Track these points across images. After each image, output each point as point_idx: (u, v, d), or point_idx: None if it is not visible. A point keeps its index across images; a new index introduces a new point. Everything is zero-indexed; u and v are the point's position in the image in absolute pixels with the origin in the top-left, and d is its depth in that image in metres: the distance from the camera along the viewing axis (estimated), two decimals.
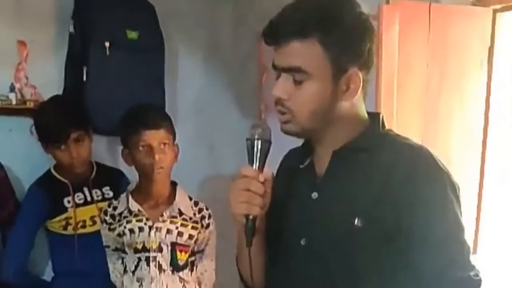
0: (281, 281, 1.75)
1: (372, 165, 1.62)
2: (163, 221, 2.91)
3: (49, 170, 3.22)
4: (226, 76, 4.13)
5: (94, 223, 3.17)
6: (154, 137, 2.86)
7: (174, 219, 2.94)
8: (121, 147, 3.04)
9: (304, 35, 1.58)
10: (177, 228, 2.93)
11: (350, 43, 1.60)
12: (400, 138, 1.72)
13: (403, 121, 2.70)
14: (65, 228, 3.15)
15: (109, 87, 3.45)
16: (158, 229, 2.90)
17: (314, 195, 1.69)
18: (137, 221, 2.92)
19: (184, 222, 2.96)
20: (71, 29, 3.55)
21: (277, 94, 1.63)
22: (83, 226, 3.16)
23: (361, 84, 1.63)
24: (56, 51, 3.60)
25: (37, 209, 3.13)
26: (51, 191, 3.15)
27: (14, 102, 3.33)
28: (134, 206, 2.93)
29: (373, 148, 1.64)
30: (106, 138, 3.61)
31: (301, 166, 1.77)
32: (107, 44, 3.45)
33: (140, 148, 2.87)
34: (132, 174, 3.14)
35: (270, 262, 1.79)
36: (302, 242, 1.68)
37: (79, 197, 3.18)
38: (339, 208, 1.63)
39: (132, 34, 3.55)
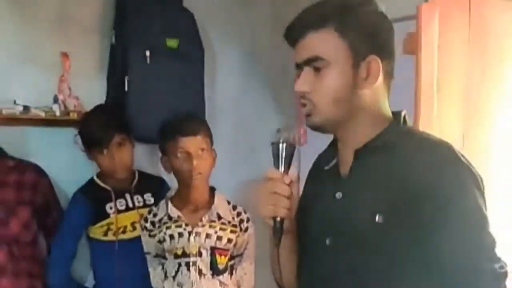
0: (309, 281, 1.77)
1: (394, 161, 1.63)
2: (202, 226, 2.93)
3: (92, 178, 3.27)
4: (265, 81, 4.13)
5: (135, 229, 3.20)
6: (192, 143, 2.90)
7: (213, 224, 2.96)
8: (159, 155, 3.08)
9: (320, 25, 1.63)
10: (216, 232, 2.95)
11: (366, 30, 1.64)
12: (422, 134, 1.74)
13: (443, 120, 2.68)
14: (105, 234, 3.19)
15: (150, 95, 3.49)
16: (197, 234, 2.92)
17: (338, 195, 1.70)
18: (177, 226, 2.94)
19: (223, 226, 2.98)
20: (113, 40, 3.60)
21: (299, 88, 1.66)
22: (124, 232, 3.20)
23: (381, 71, 1.65)
24: (99, 62, 3.65)
25: (80, 215, 3.18)
26: (94, 197, 3.20)
27: (57, 113, 3.38)
28: (174, 212, 2.96)
29: (394, 145, 1.66)
30: (148, 147, 3.63)
31: (326, 168, 1.80)
32: (147, 53, 3.49)
33: (179, 154, 2.92)
34: (172, 182, 3.16)
35: (299, 261, 1.82)
36: (328, 241, 1.70)
37: (121, 203, 3.22)
38: (361, 207, 1.65)
39: (172, 42, 3.59)
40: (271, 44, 4.08)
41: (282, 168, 1.66)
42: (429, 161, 1.58)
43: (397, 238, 1.58)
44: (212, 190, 3.05)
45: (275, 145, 1.67)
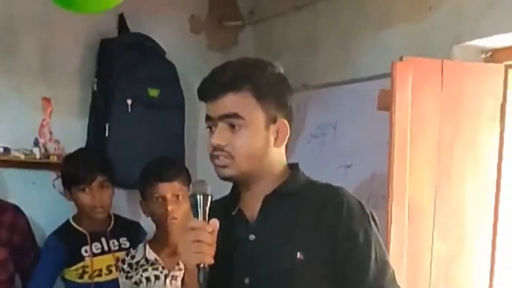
0: None
1: (301, 206, 1.79)
2: (179, 270, 2.94)
3: (68, 221, 3.28)
4: None
5: (110, 272, 3.22)
6: (167, 189, 2.96)
7: None
8: (138, 200, 3.12)
9: (238, 88, 1.76)
10: None
11: (277, 95, 1.81)
12: (319, 182, 1.89)
13: (416, 174, 2.73)
14: (81, 276, 3.20)
15: (131, 143, 3.55)
16: (173, 278, 2.94)
17: (251, 237, 1.80)
18: (153, 269, 2.97)
19: None
20: (95, 88, 3.67)
21: (216, 141, 1.76)
22: (99, 275, 3.21)
23: (288, 133, 1.82)
24: (80, 108, 3.72)
25: (55, 258, 3.19)
26: (69, 240, 3.21)
27: (38, 156, 3.44)
28: (151, 255, 2.98)
29: (300, 191, 1.82)
30: (126, 192, 3.67)
31: (233, 213, 1.87)
32: (129, 101, 3.56)
33: (154, 199, 2.97)
34: (151, 225, 3.18)
35: None
36: (246, 281, 1.79)
37: (96, 247, 3.24)
38: (278, 245, 1.77)
39: (154, 92, 3.66)
40: None
41: (201, 218, 1.72)
42: (336, 202, 1.76)
43: (318, 273, 1.74)
44: None
45: (192, 197, 1.74)
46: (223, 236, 1.80)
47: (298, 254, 1.72)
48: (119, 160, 3.44)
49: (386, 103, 2.77)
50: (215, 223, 1.72)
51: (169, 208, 2.93)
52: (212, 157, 1.79)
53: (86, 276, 3.20)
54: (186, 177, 3.05)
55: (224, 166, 1.77)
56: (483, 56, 3.03)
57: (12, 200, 3.28)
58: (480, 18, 2.85)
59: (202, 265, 1.70)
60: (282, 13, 3.97)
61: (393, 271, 1.78)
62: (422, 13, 3.10)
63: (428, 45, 3.04)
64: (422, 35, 3.10)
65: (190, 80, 3.85)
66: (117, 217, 3.40)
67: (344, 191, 1.82)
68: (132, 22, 3.82)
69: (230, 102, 1.76)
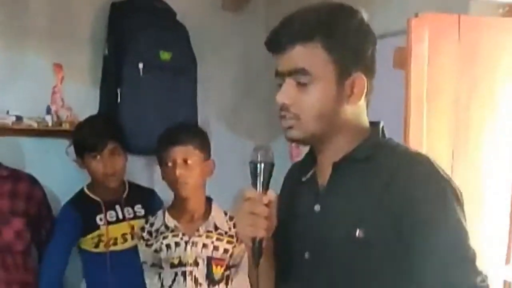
0: None
1: (372, 174, 1.62)
2: (199, 236, 2.96)
3: (82, 189, 3.28)
4: (258, 94, 4.16)
5: (126, 240, 3.22)
6: (177, 153, 2.94)
7: (209, 234, 2.98)
8: (155, 167, 3.11)
9: (307, 38, 1.59)
10: (212, 242, 2.97)
11: (352, 47, 1.62)
12: (400, 147, 1.72)
13: (433, 134, 2.69)
14: (97, 245, 3.20)
15: (143, 107, 3.52)
16: (194, 244, 2.94)
17: (317, 207, 1.68)
18: (173, 236, 2.97)
19: (220, 237, 3.00)
20: (106, 52, 3.63)
21: (281, 100, 1.63)
22: (115, 244, 3.21)
23: (365, 89, 1.64)
24: (91, 73, 3.70)
25: (70, 227, 3.19)
26: (83, 209, 3.21)
27: (50, 124, 3.41)
28: (171, 221, 2.98)
29: (373, 157, 1.64)
30: (140, 158, 3.66)
31: (303, 179, 1.76)
32: (140, 65, 3.52)
33: (165, 164, 2.96)
34: (168, 193, 3.17)
35: (279, 278, 1.78)
36: (306, 255, 1.68)
37: (111, 215, 3.23)
38: (340, 220, 1.63)
39: (165, 55, 3.62)
40: (264, 57, 4.08)
41: (260, 188, 1.61)
42: (408, 175, 1.57)
43: (377, 252, 1.57)
44: (209, 200, 3.07)
45: (252, 164, 1.62)
46: (290, 205, 1.75)
47: (358, 231, 1.56)
48: (132, 125, 3.43)
49: (402, 60, 2.73)
50: (271, 195, 1.61)
51: (177, 172, 2.91)
52: (280, 118, 1.66)
53: (101, 245, 3.20)
54: (200, 140, 3.02)
55: (290, 127, 1.64)
56: (500, 11, 2.97)
57: (25, 169, 3.28)
58: None
59: (257, 239, 1.61)
60: None
61: (473, 255, 1.52)
62: None
63: (444, 1, 2.97)
64: None
65: (201, 42, 3.82)
66: (131, 184, 3.39)
67: (421, 161, 1.62)
68: None
69: (298, 55, 1.60)
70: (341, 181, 1.66)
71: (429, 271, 1.51)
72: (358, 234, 1.57)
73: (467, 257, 1.52)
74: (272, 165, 1.62)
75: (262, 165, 1.61)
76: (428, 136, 2.68)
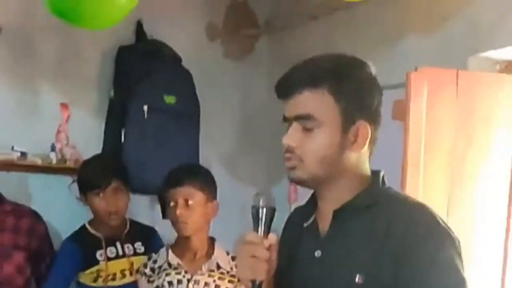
0: None
1: (372, 222, 1.64)
2: (202, 274, 2.96)
3: (83, 225, 3.30)
4: (259, 139, 4.23)
5: (124, 276, 3.24)
6: (178, 194, 2.96)
7: (212, 273, 2.99)
8: (156, 206, 3.14)
9: (315, 85, 1.64)
10: (214, 281, 2.97)
11: (359, 95, 1.66)
12: (400, 196, 1.75)
13: (429, 183, 2.73)
14: (95, 280, 3.21)
15: (146, 149, 3.59)
16: (196, 282, 2.95)
17: (318, 253, 1.70)
18: (176, 273, 2.97)
19: (222, 276, 3.01)
20: (112, 94, 3.71)
21: (287, 142, 1.66)
22: (113, 279, 3.22)
23: (369, 137, 1.67)
24: (96, 113, 3.77)
25: (70, 261, 3.20)
26: (84, 244, 3.22)
27: (54, 161, 3.47)
28: (174, 259, 2.99)
29: (373, 205, 1.66)
30: (143, 197, 3.71)
31: (305, 225, 1.78)
32: (145, 107, 3.59)
33: (168, 205, 2.99)
34: (169, 231, 3.20)
35: None
36: None
37: (111, 251, 3.24)
38: (341, 266, 1.64)
39: (170, 99, 3.69)
40: (265, 104, 4.19)
41: (261, 232, 1.64)
42: (408, 224, 1.58)
43: None
44: (212, 240, 3.09)
45: (255, 209, 1.65)
46: (291, 250, 1.76)
47: (357, 277, 1.59)
48: (135, 166, 3.47)
49: (400, 113, 2.78)
50: (273, 238, 1.63)
51: (178, 212, 2.93)
52: (284, 158, 1.69)
53: (100, 280, 3.21)
54: (203, 183, 3.04)
55: (293, 168, 1.67)
56: (498, 67, 3.05)
57: (29, 204, 3.32)
58: (495, 30, 2.86)
59: (257, 282, 1.63)
60: (298, 23, 4.00)
61: None
62: (437, 24, 3.12)
63: (443, 56, 3.05)
64: (437, 46, 3.12)
65: (205, 88, 3.89)
66: (132, 222, 3.41)
67: (421, 210, 1.65)
68: (149, 29, 3.86)
69: (305, 100, 1.64)
70: (341, 228, 1.68)
71: None
72: (358, 280, 1.59)
73: None
74: (274, 209, 1.66)
75: (264, 209, 1.64)
76: (425, 185, 2.72)
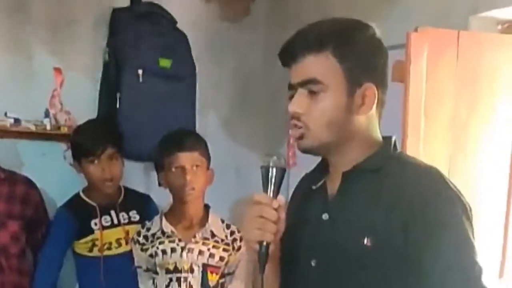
0: None
1: (382, 185, 1.62)
2: (196, 243, 2.96)
3: (78, 193, 3.27)
4: (256, 103, 4.19)
5: (120, 245, 3.22)
6: (187, 159, 2.94)
7: (206, 241, 2.99)
8: (151, 173, 3.11)
9: (319, 48, 1.62)
10: (208, 249, 2.97)
11: (364, 58, 1.64)
12: (411, 159, 1.74)
13: (430, 149, 2.69)
14: (90, 249, 3.19)
15: (142, 113, 3.54)
16: (190, 250, 2.94)
17: (325, 216, 1.69)
18: (170, 242, 2.96)
19: (216, 244, 3.00)
20: (106, 57, 3.65)
21: (293, 109, 1.65)
22: (109, 248, 3.21)
23: (376, 99, 1.65)
24: (91, 78, 3.71)
25: (65, 230, 3.18)
26: (78, 213, 3.20)
27: (48, 127, 3.42)
28: (167, 227, 2.98)
29: (383, 168, 1.65)
30: (137, 164, 3.67)
31: (314, 188, 1.77)
32: (140, 71, 3.54)
33: (173, 169, 2.96)
34: (163, 198, 3.19)
35: (284, 285, 1.78)
36: (313, 263, 1.69)
37: (106, 220, 3.22)
38: (348, 229, 1.63)
39: (165, 62, 3.63)
40: (262, 68, 4.15)
41: (270, 193, 1.62)
42: (419, 187, 1.58)
43: (385, 261, 1.57)
44: (206, 207, 3.08)
45: (264, 169, 1.63)
46: (298, 212, 1.76)
47: (366, 240, 1.57)
48: (130, 131, 3.43)
49: (400, 74, 2.73)
50: (281, 199, 1.62)
51: (188, 178, 2.92)
52: (290, 126, 1.69)
53: (95, 249, 3.19)
54: (205, 148, 3.05)
55: (301, 137, 1.66)
56: (499, 27, 2.99)
57: (22, 171, 3.29)
58: None
59: (264, 243, 1.61)
60: None
61: (479, 270, 1.53)
62: None
63: (444, 16, 2.99)
64: (438, 5, 3.05)
65: (201, 51, 3.84)
66: (127, 189, 3.38)
67: (431, 174, 1.63)
68: None
69: (309, 65, 1.62)
70: (350, 190, 1.67)
71: (436, 281, 1.52)
72: (366, 243, 1.58)
73: (474, 272, 1.53)
74: (284, 170, 1.64)
75: (274, 169, 1.62)
76: (425, 151, 2.68)
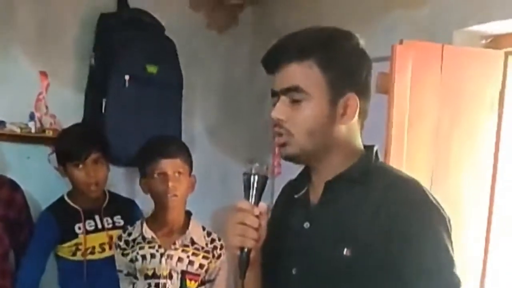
0: None
1: (364, 194, 1.63)
2: (175, 249, 2.96)
3: (62, 197, 3.27)
4: (242, 112, 4.22)
5: (103, 250, 3.21)
6: (169, 165, 2.95)
7: (186, 248, 2.99)
8: (136, 178, 3.11)
9: (302, 57, 1.62)
10: (188, 257, 2.98)
11: (347, 67, 1.65)
12: (393, 170, 1.75)
13: (413, 161, 2.71)
14: (74, 254, 3.19)
15: (127, 119, 3.54)
16: (169, 257, 2.95)
17: (306, 224, 1.70)
18: (150, 247, 2.97)
19: (196, 251, 3.01)
20: (92, 62, 3.64)
21: (275, 115, 1.65)
22: (92, 253, 3.20)
23: (358, 109, 1.66)
24: (77, 82, 3.71)
25: (48, 234, 3.17)
26: (62, 217, 3.20)
27: (33, 130, 3.41)
28: (148, 233, 2.98)
29: (365, 179, 1.66)
30: (122, 169, 3.67)
31: (296, 196, 1.79)
32: (126, 77, 3.53)
33: (155, 175, 2.96)
34: (147, 204, 3.18)
35: None
36: (294, 271, 1.70)
37: (90, 224, 3.22)
38: (329, 238, 1.65)
39: (152, 69, 3.64)
40: (248, 77, 4.17)
41: (252, 200, 1.64)
42: (400, 199, 1.59)
43: (365, 272, 1.58)
44: (188, 214, 3.08)
45: (246, 176, 1.65)
46: (280, 220, 1.77)
47: (345, 250, 1.59)
48: (115, 137, 3.43)
49: (385, 86, 2.75)
50: (263, 207, 1.64)
51: (170, 184, 2.92)
52: (273, 133, 1.70)
53: (78, 254, 3.19)
54: (187, 155, 3.06)
55: (284, 144, 1.67)
56: (484, 42, 3.02)
57: (7, 174, 3.27)
58: (481, 4, 2.83)
59: (245, 250, 1.63)
60: None
61: (458, 282, 1.55)
62: None
63: (428, 30, 3.02)
64: (423, 19, 3.08)
65: (188, 58, 3.85)
66: (111, 194, 3.38)
67: (412, 186, 1.64)
68: None
69: (292, 73, 1.63)
70: (332, 199, 1.68)
71: None
72: (346, 253, 1.59)
73: (452, 284, 1.55)
74: (266, 178, 1.65)
75: (256, 177, 1.64)
76: (408, 162, 2.70)
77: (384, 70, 2.79)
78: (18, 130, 3.38)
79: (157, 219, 3.02)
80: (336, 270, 1.61)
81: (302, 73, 1.63)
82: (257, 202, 1.64)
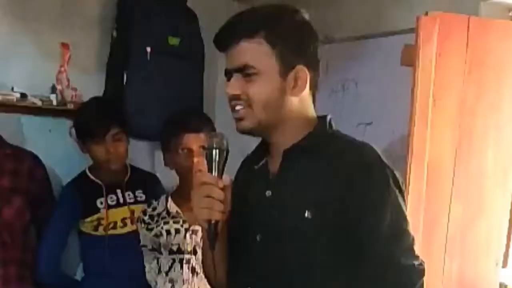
0: (241, 278, 1.84)
1: (320, 161, 1.74)
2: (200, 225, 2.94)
3: (84, 171, 3.26)
4: None
5: (125, 225, 3.21)
6: (194, 140, 2.93)
7: None
8: (157, 152, 3.08)
9: (251, 34, 1.72)
10: None
11: (294, 41, 1.75)
12: (346, 137, 1.83)
13: (437, 135, 2.69)
14: (96, 228, 3.18)
15: (149, 92, 3.51)
16: (194, 232, 2.94)
17: (268, 193, 1.80)
18: (174, 222, 2.96)
19: None
20: (114, 34, 3.62)
21: (230, 91, 1.75)
22: (114, 227, 3.19)
23: (308, 81, 1.77)
24: (98, 54, 3.68)
25: (70, 208, 3.18)
26: (84, 191, 3.20)
27: (54, 103, 3.39)
28: (173, 207, 2.98)
29: (321, 146, 1.76)
30: (143, 144, 3.65)
31: (256, 167, 1.88)
32: (148, 49, 3.51)
33: (180, 151, 2.94)
34: (168, 178, 3.17)
35: (231, 260, 1.89)
36: (258, 238, 1.80)
37: (111, 199, 3.21)
38: (290, 203, 1.75)
39: (174, 40, 3.61)
40: None
41: (215, 173, 1.71)
42: (354, 163, 1.69)
43: (325, 232, 1.69)
44: None
45: (208, 151, 1.72)
46: (242, 191, 1.84)
47: (307, 212, 1.70)
48: (137, 110, 3.42)
49: (410, 58, 2.73)
50: (226, 179, 1.71)
51: (195, 160, 2.90)
52: (231, 110, 1.78)
53: (100, 228, 3.18)
54: (211, 129, 3.01)
55: (242, 119, 1.76)
56: (510, 14, 2.97)
57: (28, 147, 3.26)
58: None
59: (212, 222, 1.71)
60: None
61: (412, 240, 1.71)
62: None
63: (455, 1, 2.97)
64: None
65: (210, 30, 3.80)
66: (133, 168, 3.37)
67: (366, 150, 1.75)
68: None
69: (243, 51, 1.73)
70: (290, 167, 1.78)
71: (372, 250, 1.67)
72: (307, 215, 1.70)
73: (406, 241, 1.69)
74: (227, 151, 1.72)
75: (217, 151, 1.71)
76: (432, 135, 2.68)
77: (408, 42, 2.75)
78: (39, 103, 3.36)
79: (182, 194, 2.99)
80: (299, 232, 1.71)
81: (252, 50, 1.73)
82: (220, 175, 1.71)
